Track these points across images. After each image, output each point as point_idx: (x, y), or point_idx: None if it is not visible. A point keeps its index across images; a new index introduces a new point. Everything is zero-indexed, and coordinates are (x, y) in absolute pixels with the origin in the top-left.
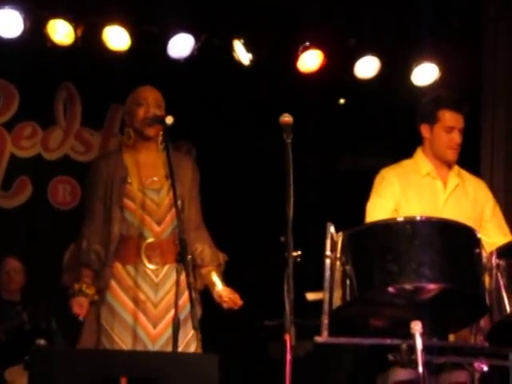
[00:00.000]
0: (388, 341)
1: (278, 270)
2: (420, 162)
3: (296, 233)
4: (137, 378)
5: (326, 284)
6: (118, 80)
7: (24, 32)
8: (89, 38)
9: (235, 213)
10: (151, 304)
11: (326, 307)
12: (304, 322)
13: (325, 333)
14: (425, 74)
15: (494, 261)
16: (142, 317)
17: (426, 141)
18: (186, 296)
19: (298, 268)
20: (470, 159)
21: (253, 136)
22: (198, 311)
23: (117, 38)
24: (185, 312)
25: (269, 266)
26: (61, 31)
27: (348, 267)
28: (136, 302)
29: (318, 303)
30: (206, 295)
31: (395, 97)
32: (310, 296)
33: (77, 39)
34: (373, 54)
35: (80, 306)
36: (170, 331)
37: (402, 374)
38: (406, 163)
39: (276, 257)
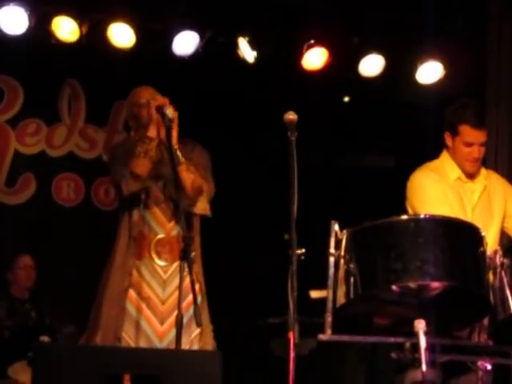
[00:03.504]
0: (392, 339)
1: (281, 268)
2: (447, 167)
3: (300, 230)
4: (140, 375)
5: (330, 282)
6: (123, 77)
7: (29, 29)
8: (93, 35)
9: (239, 210)
10: (159, 300)
11: (329, 305)
12: (307, 319)
13: (328, 331)
14: (429, 72)
15: (498, 259)
16: (147, 312)
17: (449, 148)
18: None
19: (302, 266)
20: None
21: (257, 133)
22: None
23: (121, 35)
24: (191, 311)
25: (273, 263)
26: (65, 28)
27: (352, 265)
28: (145, 300)
29: (322, 301)
30: (211, 295)
31: (399, 95)
32: (314, 294)
33: (81, 36)
34: (377, 53)
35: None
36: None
37: (419, 374)
38: (435, 165)
39: (280, 254)
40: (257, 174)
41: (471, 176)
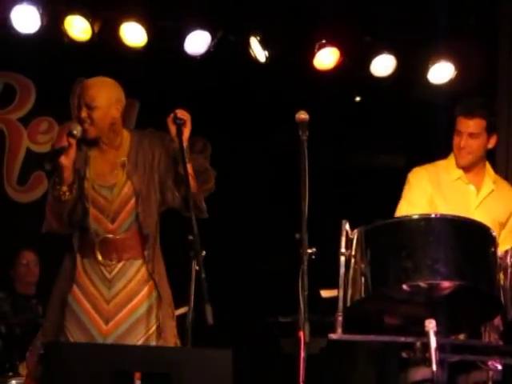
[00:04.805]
0: (402, 339)
1: (292, 267)
2: (451, 166)
3: (311, 230)
4: (150, 372)
5: (341, 281)
6: (134, 76)
7: (41, 27)
8: (106, 34)
9: (251, 209)
10: (103, 300)
11: (340, 304)
12: (318, 318)
13: (339, 330)
14: (441, 72)
15: (509, 260)
16: (91, 311)
17: None
18: (145, 291)
19: (313, 265)
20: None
21: (268, 133)
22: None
23: (133, 34)
24: (144, 306)
25: (284, 262)
26: (78, 27)
27: (363, 264)
28: (89, 298)
29: (333, 300)
30: (222, 293)
31: (411, 95)
32: (325, 293)
33: (94, 35)
34: (389, 52)
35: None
36: (124, 327)
37: (421, 373)
38: (440, 164)
39: (291, 254)
40: (268, 173)
41: (480, 175)
